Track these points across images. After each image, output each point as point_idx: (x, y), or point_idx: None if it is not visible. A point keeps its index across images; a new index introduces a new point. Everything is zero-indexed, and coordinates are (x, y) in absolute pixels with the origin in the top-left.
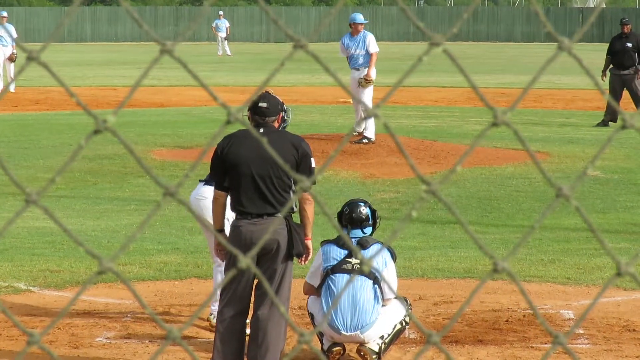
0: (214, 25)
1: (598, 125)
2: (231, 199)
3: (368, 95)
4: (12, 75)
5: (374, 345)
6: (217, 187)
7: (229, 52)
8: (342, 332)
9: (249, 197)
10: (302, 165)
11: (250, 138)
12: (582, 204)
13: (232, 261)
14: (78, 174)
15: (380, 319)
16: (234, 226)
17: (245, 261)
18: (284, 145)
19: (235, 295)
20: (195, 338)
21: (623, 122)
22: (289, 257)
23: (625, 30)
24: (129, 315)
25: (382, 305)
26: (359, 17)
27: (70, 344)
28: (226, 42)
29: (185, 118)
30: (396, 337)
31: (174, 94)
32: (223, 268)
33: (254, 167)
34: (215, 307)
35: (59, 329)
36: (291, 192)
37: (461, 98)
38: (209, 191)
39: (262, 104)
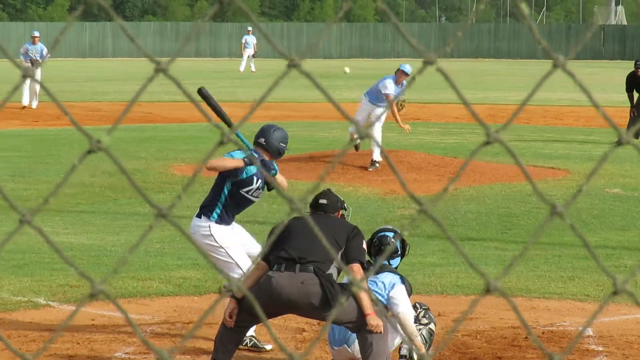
0: (243, 41)
1: (618, 142)
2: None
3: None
4: (35, 91)
5: None
6: (262, 257)
7: (253, 69)
8: (333, 346)
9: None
10: (353, 241)
11: (317, 217)
12: (602, 221)
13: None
14: (98, 189)
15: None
16: (267, 276)
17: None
18: (342, 225)
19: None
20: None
21: (618, 137)
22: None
23: (639, 73)
24: (148, 330)
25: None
26: (408, 68)
27: (89, 359)
28: (253, 58)
29: (207, 134)
30: (426, 344)
31: (195, 109)
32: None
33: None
34: None
35: (78, 344)
36: (334, 267)
37: (482, 115)
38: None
39: (323, 201)
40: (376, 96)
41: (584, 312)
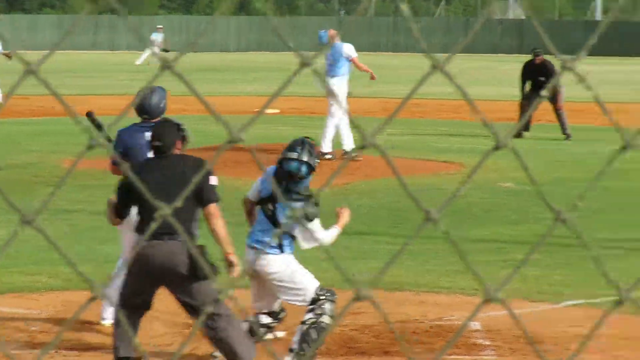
0: (152, 37)
1: (514, 136)
2: (138, 221)
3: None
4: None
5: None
6: (118, 215)
7: (149, 63)
8: None
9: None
10: (204, 183)
11: (158, 164)
12: (493, 215)
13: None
14: None
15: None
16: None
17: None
18: (185, 167)
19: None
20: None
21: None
22: (199, 278)
23: (537, 61)
24: (36, 325)
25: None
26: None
27: None
28: (156, 54)
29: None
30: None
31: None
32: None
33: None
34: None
35: None
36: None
37: (376, 109)
38: None
39: (157, 143)
40: (333, 67)
41: (472, 306)
